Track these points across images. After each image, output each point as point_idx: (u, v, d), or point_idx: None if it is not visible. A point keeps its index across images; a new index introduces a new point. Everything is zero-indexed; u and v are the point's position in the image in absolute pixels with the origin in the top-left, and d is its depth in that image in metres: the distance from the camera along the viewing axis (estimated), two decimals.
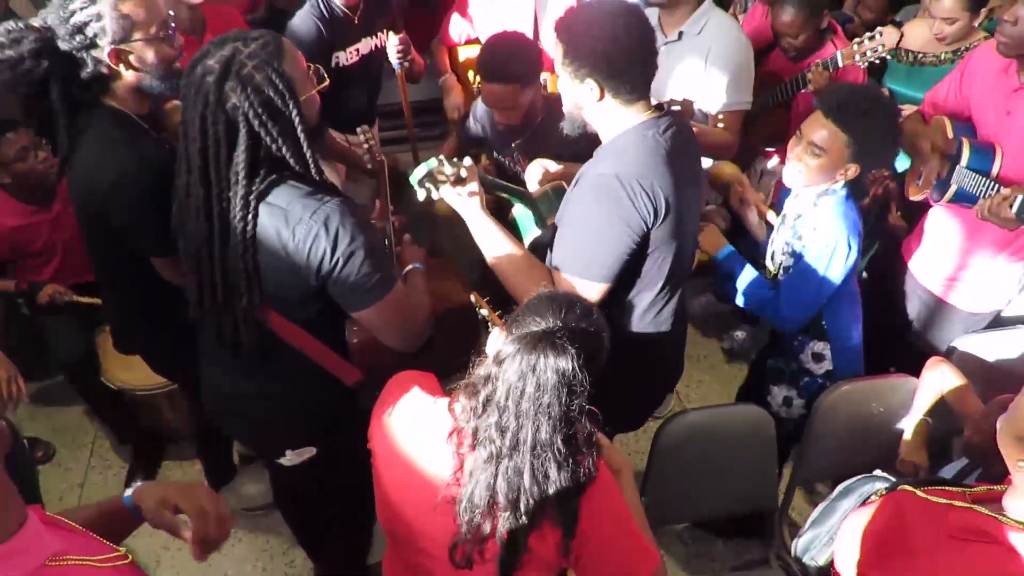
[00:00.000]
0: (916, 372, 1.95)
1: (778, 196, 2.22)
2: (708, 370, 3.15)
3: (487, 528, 1.15)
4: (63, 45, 1.54)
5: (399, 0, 2.80)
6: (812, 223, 1.84)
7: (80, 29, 1.53)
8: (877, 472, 1.63)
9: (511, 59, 2.15)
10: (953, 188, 2.00)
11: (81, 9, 1.52)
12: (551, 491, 1.11)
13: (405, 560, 1.40)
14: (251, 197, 1.37)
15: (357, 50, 2.63)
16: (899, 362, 2.11)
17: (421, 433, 1.27)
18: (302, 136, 1.37)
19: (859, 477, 1.63)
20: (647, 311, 1.69)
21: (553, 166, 2.03)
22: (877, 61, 2.40)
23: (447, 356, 1.57)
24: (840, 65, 2.43)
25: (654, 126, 1.55)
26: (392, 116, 3.23)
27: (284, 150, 1.36)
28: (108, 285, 1.95)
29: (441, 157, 1.56)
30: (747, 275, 1.99)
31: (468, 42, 2.81)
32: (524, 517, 1.12)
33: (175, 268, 1.72)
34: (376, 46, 2.70)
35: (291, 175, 1.41)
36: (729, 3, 3.26)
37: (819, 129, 1.75)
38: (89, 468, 2.77)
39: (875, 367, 2.07)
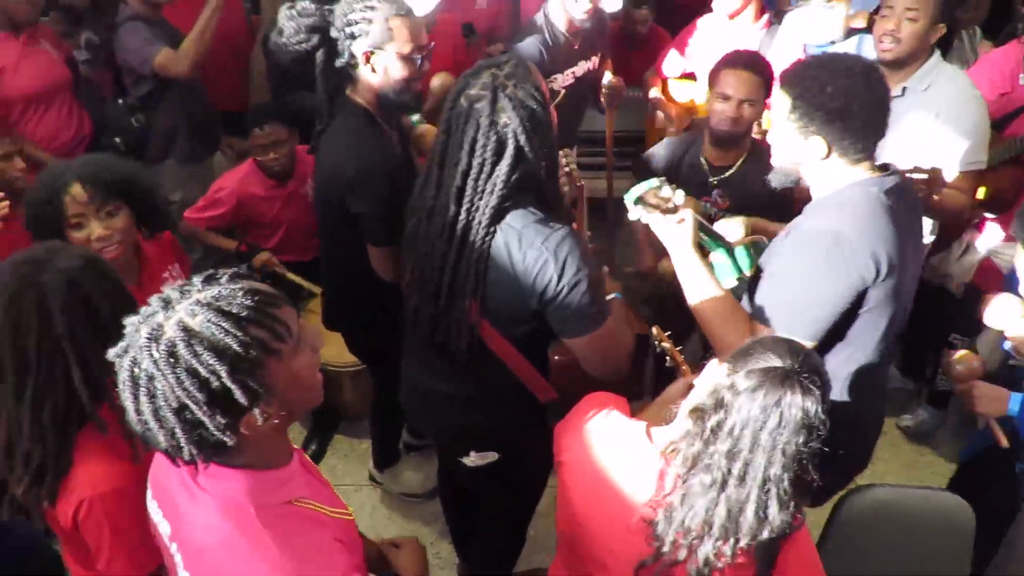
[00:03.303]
0: None
1: (1005, 280, 2.00)
2: (885, 448, 2.92)
3: (682, 554, 1.14)
4: (333, 32, 1.81)
5: (608, 28, 2.90)
6: None
7: (350, 23, 1.78)
8: None
9: (756, 56, 2.25)
10: None
11: (361, 10, 1.78)
12: (765, 531, 1.10)
13: (576, 571, 1.41)
14: (496, 215, 1.47)
15: (573, 73, 2.75)
16: None
17: (617, 453, 1.28)
18: (551, 153, 1.47)
19: None
20: (854, 377, 1.61)
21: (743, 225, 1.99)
22: None
23: (610, 384, 1.58)
24: None
25: (878, 184, 1.50)
26: (588, 143, 3.32)
27: (539, 165, 1.46)
28: (332, 263, 2.15)
29: (663, 179, 1.58)
30: None
31: (684, 76, 2.84)
32: (729, 550, 1.11)
33: (389, 260, 1.88)
34: (589, 69, 2.80)
35: (531, 200, 1.49)
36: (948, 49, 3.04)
37: None
38: None
39: None
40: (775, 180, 1.63)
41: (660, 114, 2.93)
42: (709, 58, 2.74)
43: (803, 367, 1.09)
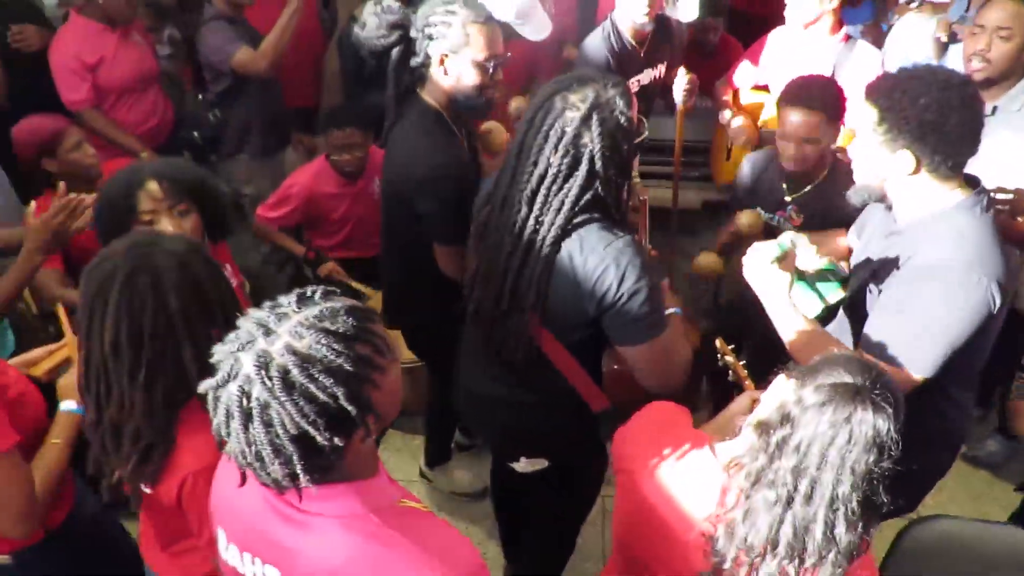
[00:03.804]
0: None
1: None
2: (950, 476, 2.79)
3: (743, 572, 1.12)
4: (412, 32, 1.85)
5: (680, 38, 2.87)
6: None
7: (430, 25, 1.82)
8: None
9: (820, 88, 2.15)
10: None
11: (442, 14, 1.82)
12: (832, 552, 1.07)
13: None
14: (562, 232, 1.46)
15: (638, 81, 2.73)
16: None
17: (679, 465, 1.27)
18: (624, 181, 1.47)
19: None
20: (958, 395, 1.58)
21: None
22: None
23: (665, 397, 1.57)
24: None
25: (977, 203, 1.46)
26: (653, 151, 3.30)
27: (609, 191, 1.46)
28: (392, 259, 2.18)
29: (803, 236, 1.56)
30: None
31: (756, 88, 2.79)
32: (794, 571, 1.08)
33: (455, 258, 1.90)
34: (656, 78, 2.78)
35: (597, 218, 1.48)
36: None
37: None
38: None
39: None
40: (855, 198, 1.58)
41: (726, 116, 2.87)
42: (782, 70, 2.70)
43: (875, 384, 1.06)
